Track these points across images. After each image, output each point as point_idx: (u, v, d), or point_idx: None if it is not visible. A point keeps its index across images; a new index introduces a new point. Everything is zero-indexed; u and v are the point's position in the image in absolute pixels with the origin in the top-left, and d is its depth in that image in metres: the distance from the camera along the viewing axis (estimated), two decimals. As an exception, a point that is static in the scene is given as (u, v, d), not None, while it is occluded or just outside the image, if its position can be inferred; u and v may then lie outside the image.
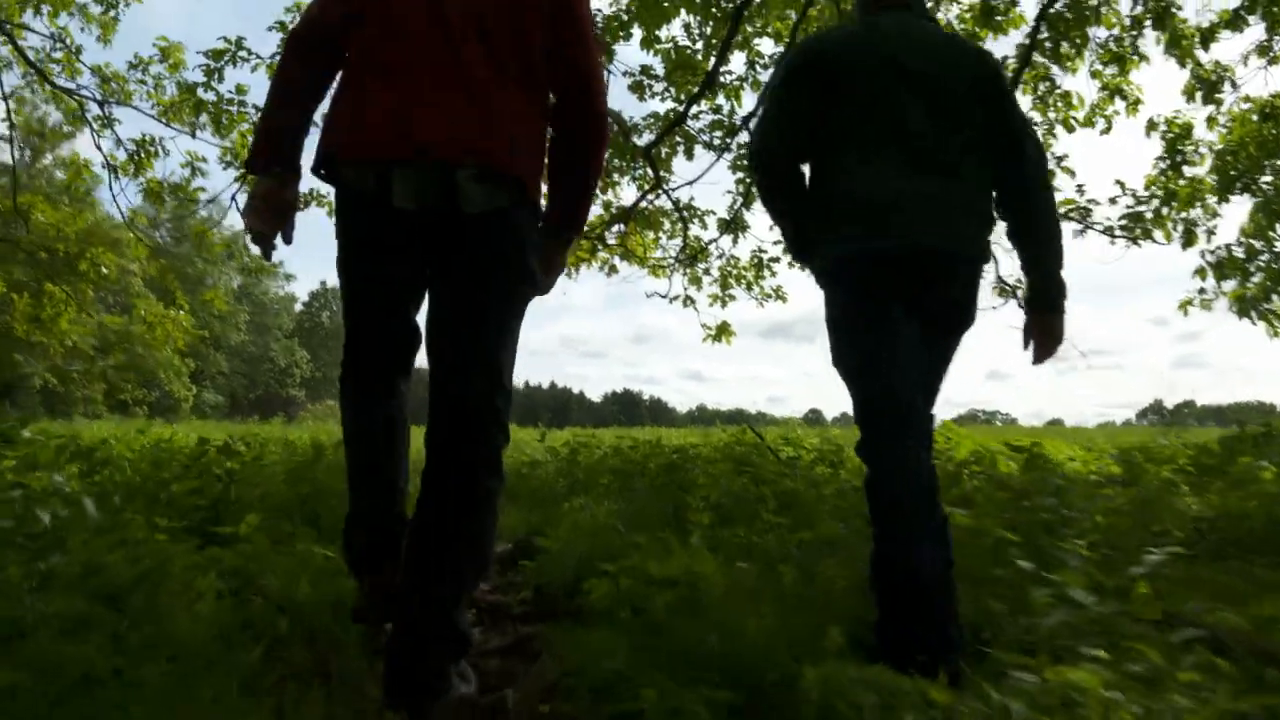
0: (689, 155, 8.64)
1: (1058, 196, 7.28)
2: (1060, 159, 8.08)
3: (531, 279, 2.44)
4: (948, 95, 2.66)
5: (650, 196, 9.09)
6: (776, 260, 9.83)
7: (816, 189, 2.74)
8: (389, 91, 2.28)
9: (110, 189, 9.23)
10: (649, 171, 8.99)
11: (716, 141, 8.47)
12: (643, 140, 8.47)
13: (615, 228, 9.55)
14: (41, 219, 9.79)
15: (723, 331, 10.04)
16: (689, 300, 9.99)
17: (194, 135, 8.99)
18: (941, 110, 2.64)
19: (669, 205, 9.42)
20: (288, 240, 2.48)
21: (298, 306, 77.40)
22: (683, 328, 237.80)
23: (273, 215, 2.42)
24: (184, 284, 61.20)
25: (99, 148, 9.18)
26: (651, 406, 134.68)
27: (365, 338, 2.54)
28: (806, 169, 2.80)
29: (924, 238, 2.56)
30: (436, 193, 2.28)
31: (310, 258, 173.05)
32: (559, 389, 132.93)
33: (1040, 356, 2.72)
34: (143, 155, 9.09)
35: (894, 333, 2.58)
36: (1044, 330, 2.69)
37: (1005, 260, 8.44)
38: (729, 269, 10.00)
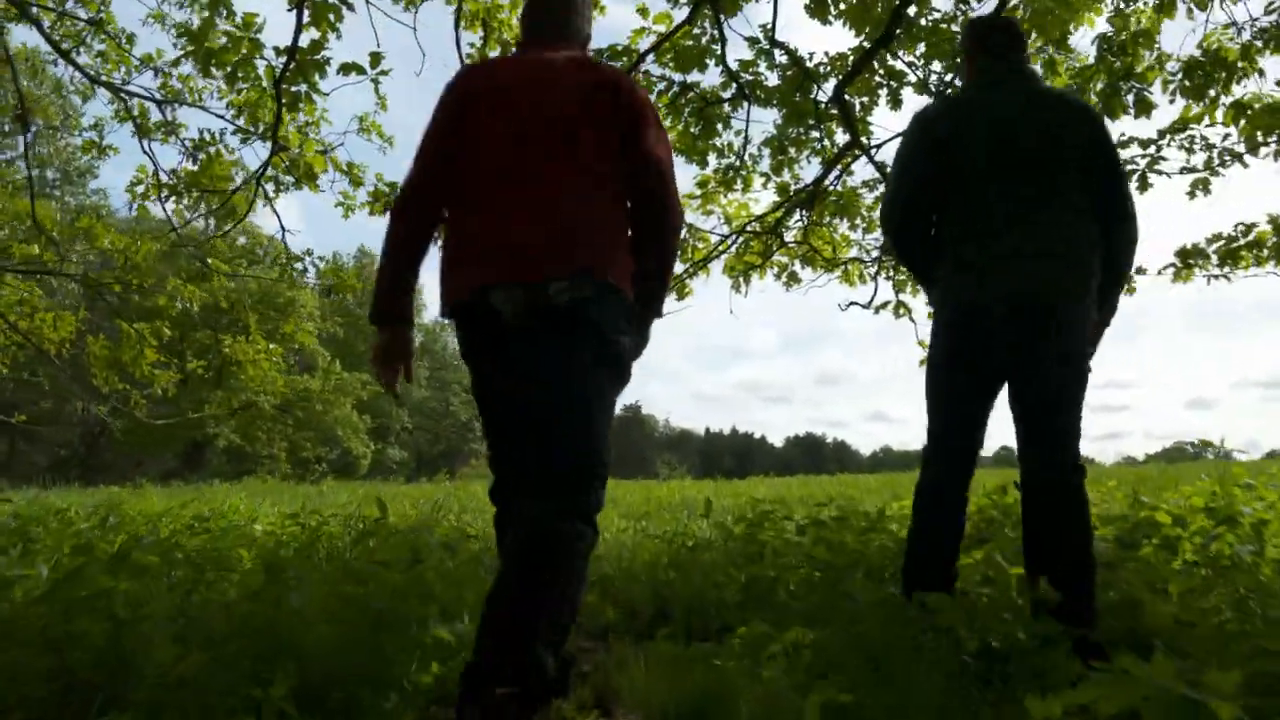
0: (895, 104, 6.21)
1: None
2: None
3: (619, 354, 2.59)
4: (1053, 161, 2.93)
5: (838, 167, 6.65)
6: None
7: (940, 240, 3.09)
8: (487, 225, 2.57)
9: (163, 207, 7.54)
10: (833, 136, 6.62)
11: (934, 78, 6.01)
12: (829, 88, 6.11)
13: (796, 217, 7.13)
14: (108, 245, 8.25)
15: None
16: (902, 309, 7.31)
17: (272, 138, 7.17)
18: (1046, 174, 2.92)
19: (869, 175, 7.00)
20: (409, 379, 2.71)
21: (476, 362, 77.23)
22: (866, 367, 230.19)
23: (395, 360, 2.67)
24: (367, 342, 62.76)
25: (151, 158, 7.45)
26: (835, 449, 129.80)
27: (506, 454, 2.69)
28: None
29: (1024, 294, 2.89)
30: (533, 302, 2.49)
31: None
32: (740, 435, 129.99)
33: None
34: (205, 158, 7.34)
35: (962, 377, 3.08)
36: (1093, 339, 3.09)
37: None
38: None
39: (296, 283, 11.14)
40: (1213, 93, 6.81)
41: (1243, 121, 6.76)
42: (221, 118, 7.48)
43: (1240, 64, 6.70)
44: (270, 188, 8.14)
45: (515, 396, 2.57)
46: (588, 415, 2.50)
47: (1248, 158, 6.36)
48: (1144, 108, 6.63)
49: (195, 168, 7.68)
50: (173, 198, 7.52)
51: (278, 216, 8.89)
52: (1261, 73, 6.71)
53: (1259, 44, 6.54)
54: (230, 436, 42.31)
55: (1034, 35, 6.44)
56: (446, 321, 2.69)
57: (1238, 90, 6.82)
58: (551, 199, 2.53)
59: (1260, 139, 6.68)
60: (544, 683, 2.25)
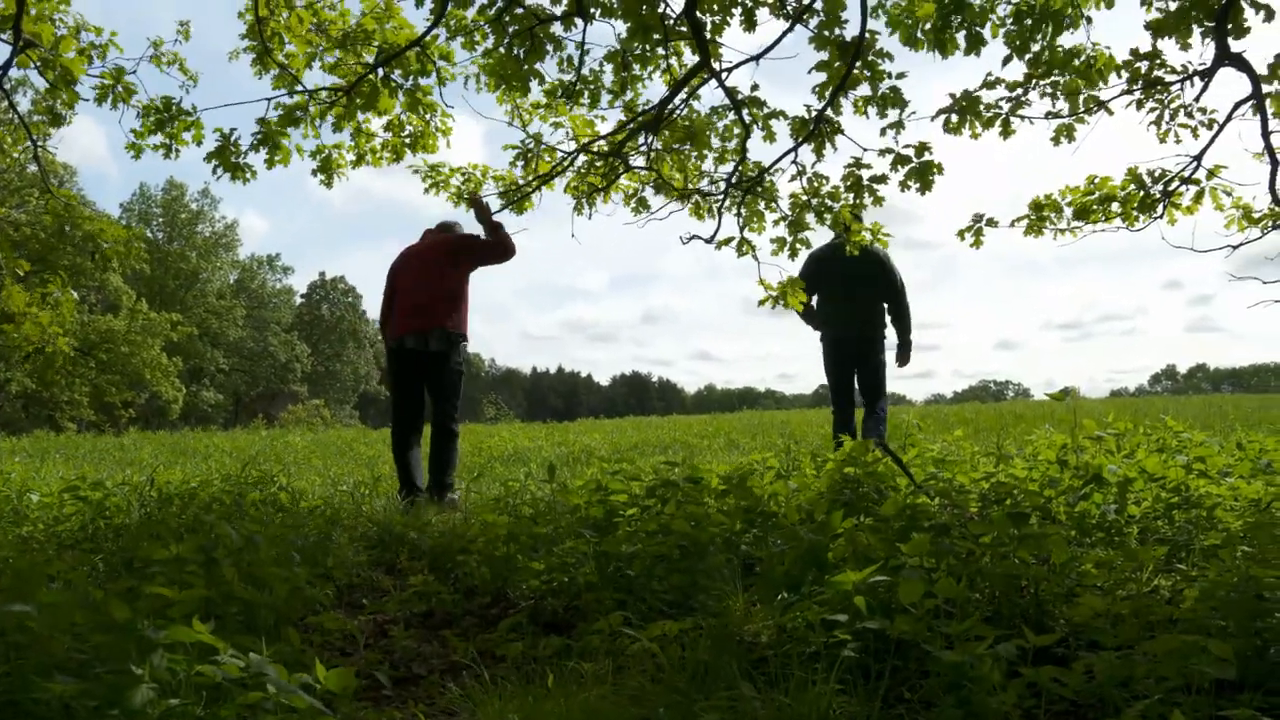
0: (749, 25, 5.74)
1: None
2: None
3: (460, 371, 6.77)
4: (862, 275, 7.73)
5: (684, 91, 6.14)
6: (883, 179, 6.05)
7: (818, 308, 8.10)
8: (406, 309, 6.65)
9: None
10: (680, 55, 6.13)
11: (792, 2, 5.56)
12: (678, 2, 5.56)
13: (642, 141, 6.55)
14: None
15: (789, 293, 6.90)
16: (746, 246, 6.75)
17: (15, 31, 5.89)
18: (859, 281, 7.84)
19: (718, 104, 6.52)
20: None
21: (297, 299, 73.32)
22: (691, 306, 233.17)
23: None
24: (178, 279, 58.37)
25: None
26: (661, 388, 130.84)
27: (401, 409, 6.74)
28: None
29: (846, 331, 8.02)
30: (423, 343, 6.56)
31: (308, 252, 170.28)
32: (566, 373, 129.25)
33: (901, 366, 8.33)
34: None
35: (841, 367, 8.12)
36: (903, 361, 8.18)
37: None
38: (807, 197, 6.37)
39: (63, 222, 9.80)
40: (1037, 47, 6.39)
41: (1069, 77, 6.42)
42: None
43: (1068, 11, 6.31)
44: (24, 101, 7.00)
45: (416, 384, 6.72)
46: (454, 394, 6.69)
47: (1114, 105, 6.09)
48: (975, 43, 6.22)
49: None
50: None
51: (26, 128, 7.33)
52: (1089, 20, 6.33)
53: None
54: (24, 381, 38.92)
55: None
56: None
57: (1068, 41, 6.42)
58: (432, 303, 6.58)
59: (1081, 90, 6.37)
60: (447, 488, 6.54)
